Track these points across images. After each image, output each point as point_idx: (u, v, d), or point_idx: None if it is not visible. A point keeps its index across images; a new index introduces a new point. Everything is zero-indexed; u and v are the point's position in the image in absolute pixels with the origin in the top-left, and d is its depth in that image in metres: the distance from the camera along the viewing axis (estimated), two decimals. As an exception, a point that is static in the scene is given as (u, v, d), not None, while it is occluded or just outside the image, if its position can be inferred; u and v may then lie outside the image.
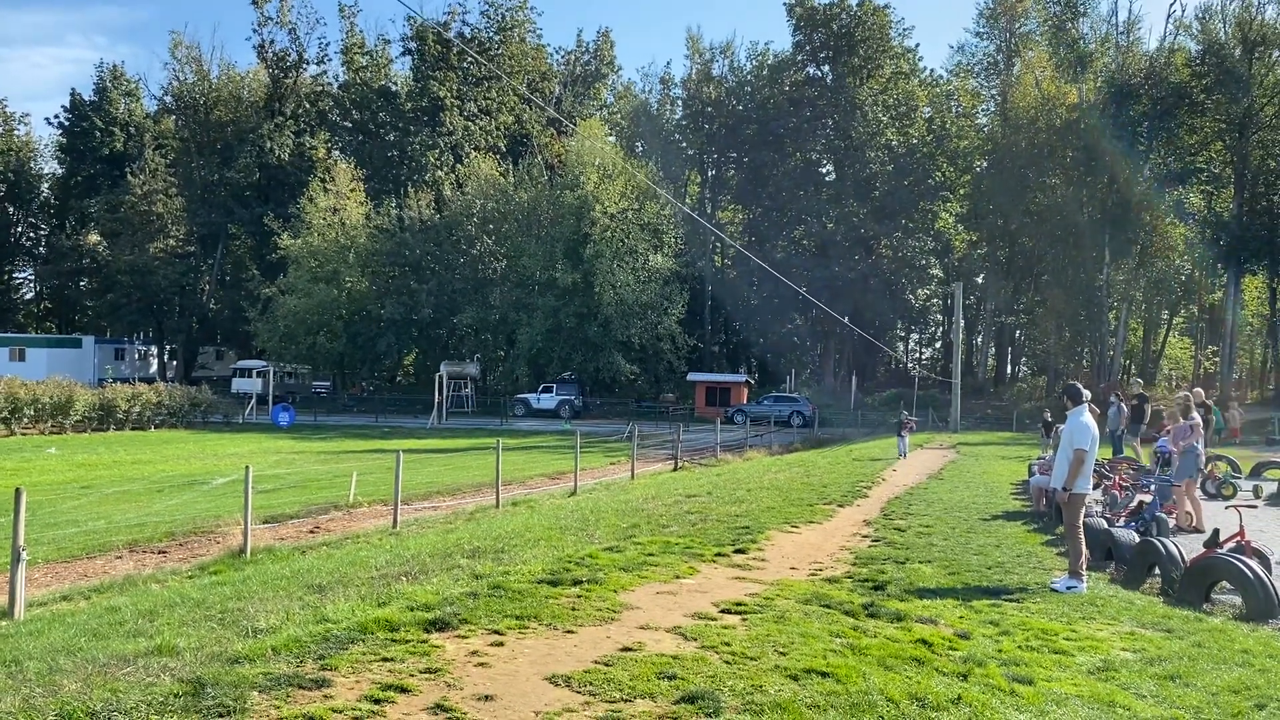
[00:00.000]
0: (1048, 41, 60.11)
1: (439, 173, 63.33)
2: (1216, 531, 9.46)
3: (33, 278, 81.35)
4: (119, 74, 75.14)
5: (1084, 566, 8.90)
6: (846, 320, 45.03)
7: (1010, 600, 8.16)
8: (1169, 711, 5.43)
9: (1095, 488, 12.80)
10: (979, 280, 68.10)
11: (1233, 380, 53.67)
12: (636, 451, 25.14)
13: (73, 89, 76.64)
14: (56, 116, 74.22)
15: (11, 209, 77.09)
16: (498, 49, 67.71)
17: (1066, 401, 9.46)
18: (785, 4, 65.09)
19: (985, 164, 63.37)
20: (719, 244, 65.78)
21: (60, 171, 77.86)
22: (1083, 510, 9.26)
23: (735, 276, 66.86)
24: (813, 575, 9.14)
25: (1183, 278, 60.48)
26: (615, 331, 53.34)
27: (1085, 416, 9.13)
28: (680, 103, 72.13)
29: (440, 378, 49.49)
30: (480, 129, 66.38)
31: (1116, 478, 15.12)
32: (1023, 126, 58.09)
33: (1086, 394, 9.53)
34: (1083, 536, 9.02)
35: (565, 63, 73.77)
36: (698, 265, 63.14)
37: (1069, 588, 8.60)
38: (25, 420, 35.54)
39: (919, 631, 6.78)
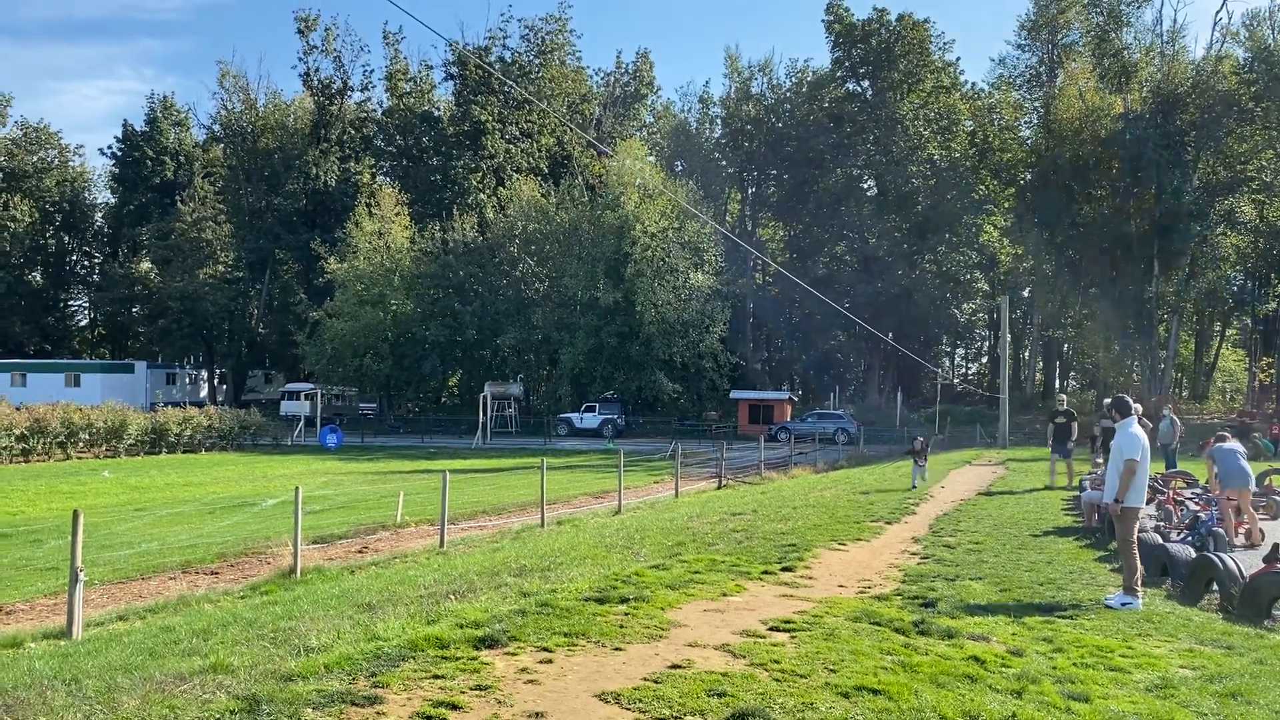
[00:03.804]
0: (1091, 52, 59.34)
1: (481, 195, 64.00)
2: (1276, 546, 9.25)
3: (87, 305, 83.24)
4: (169, 104, 76.82)
5: (1139, 582, 8.73)
6: (890, 336, 44.69)
7: (1064, 617, 8.03)
8: (1231, 729, 5.31)
9: (1149, 502, 12.57)
10: (1025, 294, 67.24)
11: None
12: (680, 470, 25.07)
13: (124, 120, 79.04)
14: (109, 147, 76.16)
15: (67, 238, 79.09)
16: (538, 72, 68.39)
17: (1115, 414, 9.32)
18: (824, 21, 65.06)
19: (1029, 176, 62.63)
20: (760, 261, 65.65)
21: (113, 201, 79.65)
22: (1136, 525, 9.09)
23: (777, 293, 66.62)
24: (861, 593, 9.06)
25: (1234, 288, 59.29)
26: (657, 350, 53.31)
27: (1135, 428, 8.99)
28: (719, 121, 72.22)
29: (484, 398, 49.84)
30: (521, 151, 66.95)
31: (1170, 492, 14.85)
32: (1067, 138, 57.35)
33: (1136, 406, 9.38)
34: (1137, 552, 8.86)
35: (605, 84, 74.27)
36: (739, 282, 63.00)
37: (1124, 604, 8.45)
38: (81, 444, 36.36)
39: (971, 649, 6.69)
